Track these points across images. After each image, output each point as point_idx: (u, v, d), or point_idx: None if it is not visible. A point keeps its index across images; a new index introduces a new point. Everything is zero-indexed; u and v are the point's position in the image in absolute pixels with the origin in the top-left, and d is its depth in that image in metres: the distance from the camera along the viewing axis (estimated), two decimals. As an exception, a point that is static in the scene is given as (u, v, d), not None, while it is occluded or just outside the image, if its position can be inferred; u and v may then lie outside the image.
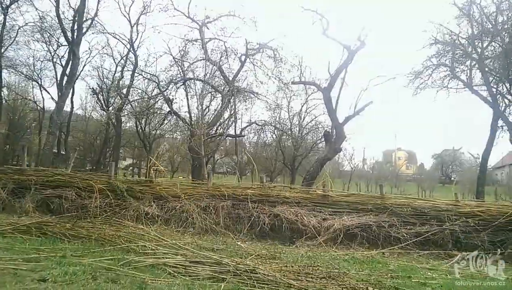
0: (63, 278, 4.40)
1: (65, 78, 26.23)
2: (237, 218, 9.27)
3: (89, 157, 36.01)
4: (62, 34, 26.60)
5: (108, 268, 4.88)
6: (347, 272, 5.66)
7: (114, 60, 29.73)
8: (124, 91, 27.40)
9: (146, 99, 26.44)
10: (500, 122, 24.66)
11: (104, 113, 30.37)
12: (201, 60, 24.29)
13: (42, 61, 29.48)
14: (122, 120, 29.01)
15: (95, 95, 30.61)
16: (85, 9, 25.64)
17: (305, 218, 8.88)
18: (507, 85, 24.35)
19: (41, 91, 31.48)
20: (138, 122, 28.95)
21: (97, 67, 30.04)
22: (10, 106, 32.73)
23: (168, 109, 25.98)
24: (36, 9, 26.23)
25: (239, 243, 8.05)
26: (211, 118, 24.43)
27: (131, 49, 28.15)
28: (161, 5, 25.00)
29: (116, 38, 28.49)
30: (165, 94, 25.18)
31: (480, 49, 23.85)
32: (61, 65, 28.59)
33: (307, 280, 4.91)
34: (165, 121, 28.77)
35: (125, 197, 9.74)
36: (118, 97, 27.96)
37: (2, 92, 28.37)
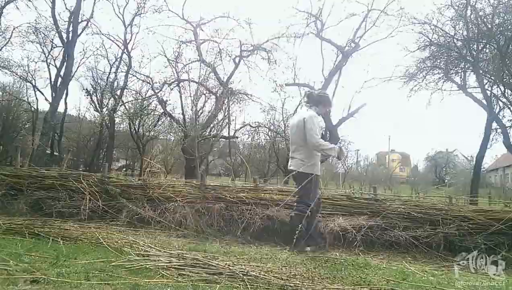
0: (56, 279, 4.38)
1: (59, 79, 26.21)
2: (230, 220, 9.25)
3: (82, 158, 35.94)
4: (56, 35, 26.60)
5: (101, 269, 4.87)
6: (341, 274, 5.66)
7: (108, 61, 29.68)
8: (118, 92, 27.40)
9: (140, 100, 26.47)
10: (494, 125, 24.76)
11: (98, 114, 30.32)
12: (195, 61, 24.46)
13: (36, 62, 29.40)
14: (116, 121, 28.96)
15: (89, 96, 30.57)
16: (81, 10, 25.66)
17: (298, 220, 8.86)
18: (502, 87, 24.43)
19: (35, 92, 31.49)
20: (131, 123, 28.92)
21: (91, 68, 29.99)
22: (4, 107, 32.70)
23: (162, 111, 26.03)
24: (36, 8, 26.22)
25: (233, 245, 8.05)
26: (205, 120, 24.47)
27: (125, 50, 28.12)
28: (155, 6, 25.12)
29: (110, 39, 28.47)
30: (159, 96, 25.24)
31: (475, 51, 23.90)
32: (55, 66, 28.54)
33: (301, 283, 4.91)
34: (159, 123, 28.79)
35: (118, 198, 9.72)
36: (112, 98, 27.96)
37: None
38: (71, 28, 25.40)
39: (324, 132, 24.37)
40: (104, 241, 6.55)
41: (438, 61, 25.48)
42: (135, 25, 27.97)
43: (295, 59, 25.30)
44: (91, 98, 30.17)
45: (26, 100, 33.31)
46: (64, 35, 25.81)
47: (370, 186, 32.70)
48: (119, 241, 6.71)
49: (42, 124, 26.89)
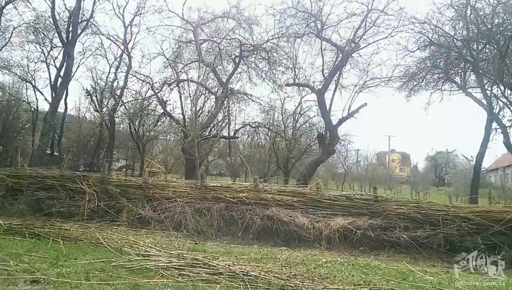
0: (56, 279, 4.38)
1: (59, 79, 26.14)
2: (230, 220, 9.25)
3: (82, 158, 35.85)
4: (56, 35, 26.49)
5: (101, 269, 4.86)
6: (341, 274, 5.66)
7: (107, 61, 29.53)
8: (118, 92, 27.31)
9: (140, 100, 26.40)
10: (494, 125, 24.70)
11: (98, 114, 30.20)
12: (195, 61, 24.28)
13: (36, 62, 29.28)
14: (116, 121, 28.86)
15: (88, 96, 30.44)
16: (81, 10, 25.57)
17: (298, 220, 8.86)
18: (502, 87, 24.38)
19: (34, 92, 31.27)
20: (131, 124, 28.83)
21: (91, 68, 29.83)
22: (4, 107, 32.64)
23: (162, 111, 25.96)
24: (34, 9, 26.10)
25: (233, 245, 8.05)
26: (205, 120, 24.37)
27: (125, 50, 28.03)
28: (155, 7, 25.00)
29: (110, 39, 28.31)
30: (159, 96, 25.16)
31: (475, 51, 23.84)
32: (55, 66, 28.40)
33: (302, 283, 4.90)
34: (159, 123, 28.71)
35: (118, 198, 9.71)
36: (112, 98, 27.87)
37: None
38: (71, 28, 25.32)
39: (324, 132, 24.37)
40: (104, 241, 6.55)
41: (438, 61, 25.40)
42: (135, 25, 27.80)
43: (295, 59, 25.18)
44: (91, 98, 29.99)
45: (26, 100, 33.20)
46: (64, 35, 25.70)
47: (370, 186, 32.65)
48: (119, 241, 6.72)
49: (42, 124, 26.80)
